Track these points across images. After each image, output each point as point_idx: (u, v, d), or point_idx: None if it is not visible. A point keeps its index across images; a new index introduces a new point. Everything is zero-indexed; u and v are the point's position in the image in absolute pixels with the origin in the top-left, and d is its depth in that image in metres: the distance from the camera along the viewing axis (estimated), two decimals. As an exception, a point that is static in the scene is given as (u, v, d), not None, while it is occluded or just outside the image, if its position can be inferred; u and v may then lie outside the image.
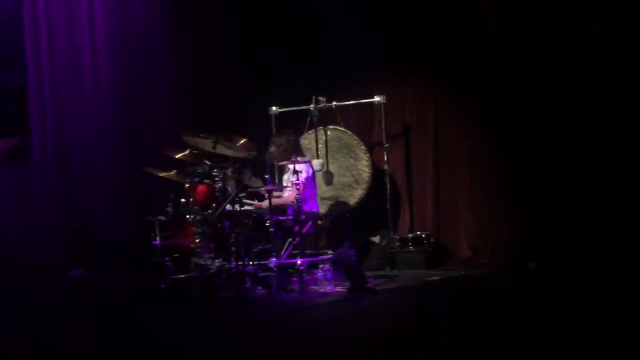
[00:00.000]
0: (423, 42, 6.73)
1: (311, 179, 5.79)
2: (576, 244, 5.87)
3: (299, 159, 5.69)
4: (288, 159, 5.69)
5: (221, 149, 5.49)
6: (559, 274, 5.59)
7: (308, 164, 5.81)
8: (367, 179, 6.70)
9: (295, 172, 5.38)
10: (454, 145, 6.70)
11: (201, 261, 5.22)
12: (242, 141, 5.58)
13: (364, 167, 6.72)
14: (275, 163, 6.00)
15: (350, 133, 6.77)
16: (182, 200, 5.50)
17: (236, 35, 7.06)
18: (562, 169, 6.06)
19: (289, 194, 5.59)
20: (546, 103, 6.14)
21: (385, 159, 6.68)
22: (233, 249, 5.17)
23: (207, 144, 5.47)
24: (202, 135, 5.44)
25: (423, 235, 6.54)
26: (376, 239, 6.63)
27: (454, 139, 6.70)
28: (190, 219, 5.37)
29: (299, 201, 5.37)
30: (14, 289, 5.97)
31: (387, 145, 6.67)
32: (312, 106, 6.65)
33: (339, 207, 6.60)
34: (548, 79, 6.13)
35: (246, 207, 5.54)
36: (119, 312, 5.09)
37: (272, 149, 5.86)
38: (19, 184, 6.94)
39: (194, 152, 5.61)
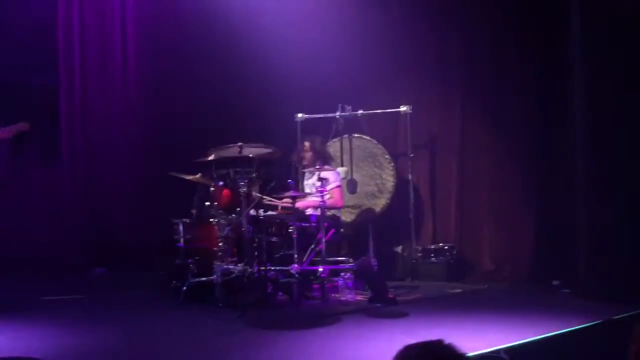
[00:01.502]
0: (451, 55, 6.72)
1: (341, 189, 5.85)
2: (602, 261, 5.78)
3: (326, 166, 5.71)
4: (314, 165, 5.71)
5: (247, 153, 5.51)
6: (583, 291, 5.50)
7: (337, 173, 5.84)
8: (390, 189, 6.68)
9: (321, 179, 5.39)
10: (479, 157, 6.66)
11: (223, 265, 5.24)
12: (266, 147, 5.61)
13: (388, 176, 6.70)
14: (300, 169, 6.02)
15: (375, 142, 6.76)
16: (207, 203, 5.53)
17: (263, 42, 7.09)
18: (588, 185, 5.97)
19: (337, 197, 5.67)
20: (573, 119, 6.07)
21: (410, 169, 6.66)
22: (255, 253, 5.18)
23: (232, 151, 5.51)
24: (228, 146, 5.49)
25: (445, 247, 6.49)
26: (398, 249, 6.60)
27: (479, 151, 6.66)
28: (214, 223, 5.39)
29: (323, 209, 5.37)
30: (36, 287, 6.03)
31: (411, 155, 6.65)
32: (338, 114, 6.66)
33: (364, 215, 6.60)
34: (575, 95, 6.05)
35: (269, 213, 5.56)
36: (139, 313, 5.12)
37: (302, 152, 5.88)
38: (47, 184, 7.02)
39: (219, 156, 5.64)
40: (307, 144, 5.91)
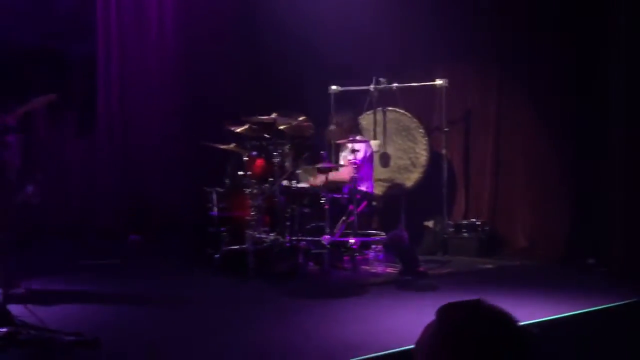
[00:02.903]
0: (489, 28, 6.60)
1: (368, 159, 5.79)
2: (637, 240, 5.68)
3: (357, 138, 5.69)
4: (346, 137, 5.70)
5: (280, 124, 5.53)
6: (618, 269, 5.42)
7: (366, 144, 5.80)
8: (424, 163, 6.63)
9: (353, 150, 5.38)
10: (515, 133, 6.55)
11: (256, 234, 5.29)
12: (300, 118, 5.62)
13: (421, 150, 6.66)
14: (333, 141, 6.02)
15: (409, 115, 6.71)
16: (240, 172, 5.58)
17: (298, 12, 7.06)
18: (625, 163, 5.85)
19: (345, 171, 5.59)
20: (611, 99, 5.92)
21: (444, 143, 6.60)
22: (287, 223, 5.22)
23: (266, 121, 5.53)
24: (263, 116, 5.51)
25: (478, 223, 6.45)
26: (430, 223, 6.58)
27: (515, 127, 6.55)
28: (247, 192, 5.44)
29: (355, 180, 5.36)
30: (74, 252, 6.18)
31: (446, 129, 6.58)
32: (372, 86, 6.61)
33: (397, 189, 6.57)
34: (615, 73, 5.88)
35: (302, 184, 5.59)
36: (172, 280, 5.23)
37: (332, 127, 5.90)
38: (84, 152, 7.15)
39: (253, 126, 5.67)
40: (334, 119, 5.91)
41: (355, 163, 5.35)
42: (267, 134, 5.63)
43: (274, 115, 5.51)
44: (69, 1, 6.94)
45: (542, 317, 3.80)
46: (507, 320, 1.39)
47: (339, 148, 6.13)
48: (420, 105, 6.93)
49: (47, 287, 4.68)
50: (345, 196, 5.49)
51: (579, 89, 6.09)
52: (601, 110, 5.94)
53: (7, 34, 6.52)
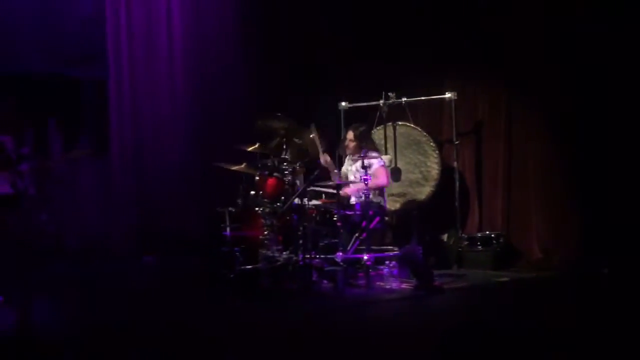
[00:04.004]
0: (497, 39, 6.60)
1: (385, 168, 5.81)
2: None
3: (371, 153, 5.71)
4: (358, 151, 5.72)
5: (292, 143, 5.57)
6: (633, 280, 5.37)
7: (381, 160, 5.83)
8: (435, 177, 6.62)
9: (364, 166, 5.39)
10: (527, 144, 6.53)
11: (269, 253, 5.30)
12: (311, 135, 5.65)
13: (432, 164, 6.64)
14: (349, 154, 6.02)
15: (419, 129, 6.71)
16: (252, 192, 5.60)
17: (307, 30, 7.11)
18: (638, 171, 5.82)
19: (383, 176, 5.66)
20: (621, 104, 5.89)
21: (455, 156, 6.59)
22: (300, 242, 5.22)
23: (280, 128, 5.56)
24: (278, 115, 5.53)
25: (492, 235, 6.41)
26: (444, 237, 6.55)
27: (527, 138, 6.53)
28: (260, 211, 5.46)
29: (365, 195, 5.38)
30: (89, 274, 6.22)
31: (457, 142, 6.57)
32: (381, 102, 6.63)
33: (409, 203, 6.57)
34: (622, 79, 5.87)
35: (313, 202, 5.59)
36: (187, 300, 5.23)
37: (346, 142, 5.91)
38: (99, 175, 7.23)
39: (264, 145, 5.71)
40: (350, 133, 5.92)
41: (366, 179, 5.36)
42: (277, 152, 5.66)
43: (283, 134, 5.54)
44: (80, 27, 7.06)
45: (553, 329, 3.76)
46: (504, 339, 1.40)
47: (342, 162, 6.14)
48: (430, 119, 6.94)
49: (61, 310, 4.71)
50: (358, 212, 5.49)
51: (591, 99, 6.06)
52: (613, 118, 5.91)
53: (21, 61, 6.64)
